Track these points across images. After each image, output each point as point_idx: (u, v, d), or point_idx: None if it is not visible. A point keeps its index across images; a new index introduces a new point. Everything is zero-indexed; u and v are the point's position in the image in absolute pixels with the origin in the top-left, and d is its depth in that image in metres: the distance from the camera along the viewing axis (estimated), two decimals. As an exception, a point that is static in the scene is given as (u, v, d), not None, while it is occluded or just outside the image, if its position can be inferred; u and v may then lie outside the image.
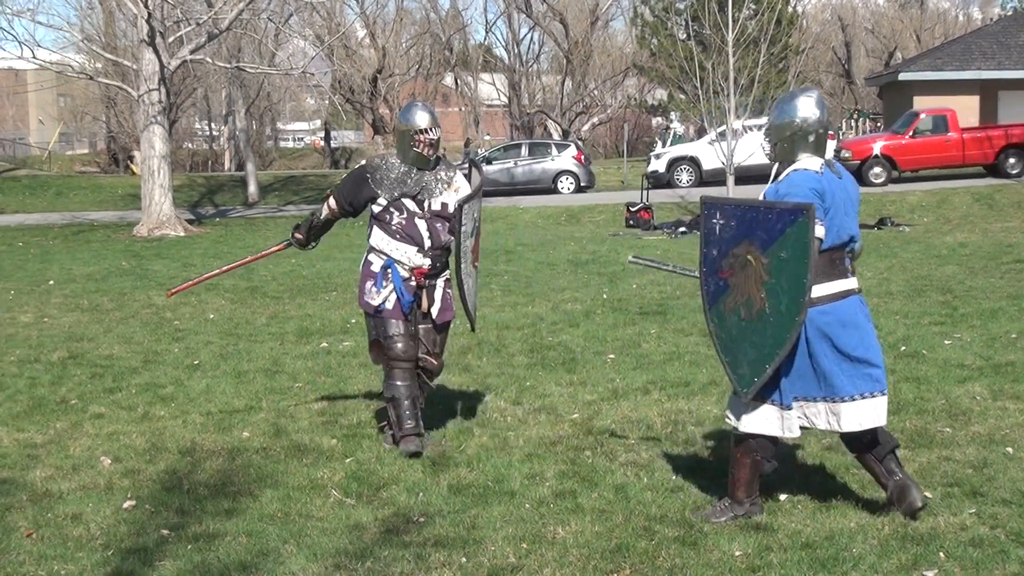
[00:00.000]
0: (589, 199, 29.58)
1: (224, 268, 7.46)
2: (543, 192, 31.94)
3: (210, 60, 27.89)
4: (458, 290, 6.80)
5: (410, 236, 6.57)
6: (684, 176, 31.75)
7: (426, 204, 6.63)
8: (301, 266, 16.48)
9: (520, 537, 5.03)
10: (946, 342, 9.17)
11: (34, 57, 26.02)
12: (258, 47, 36.68)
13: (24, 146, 60.37)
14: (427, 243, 6.59)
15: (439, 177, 6.72)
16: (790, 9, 36.27)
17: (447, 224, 6.67)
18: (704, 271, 5.28)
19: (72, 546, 5.06)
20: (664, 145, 37.53)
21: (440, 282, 6.75)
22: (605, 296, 12.83)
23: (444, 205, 6.67)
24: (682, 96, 34.48)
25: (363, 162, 6.74)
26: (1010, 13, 49.82)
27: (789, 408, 5.04)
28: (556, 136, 47.65)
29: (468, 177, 6.92)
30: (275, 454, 6.51)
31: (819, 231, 4.88)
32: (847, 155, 28.23)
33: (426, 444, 6.50)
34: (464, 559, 4.81)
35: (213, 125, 60.04)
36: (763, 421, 5.06)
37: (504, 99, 58.23)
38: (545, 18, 52.69)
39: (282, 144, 68.92)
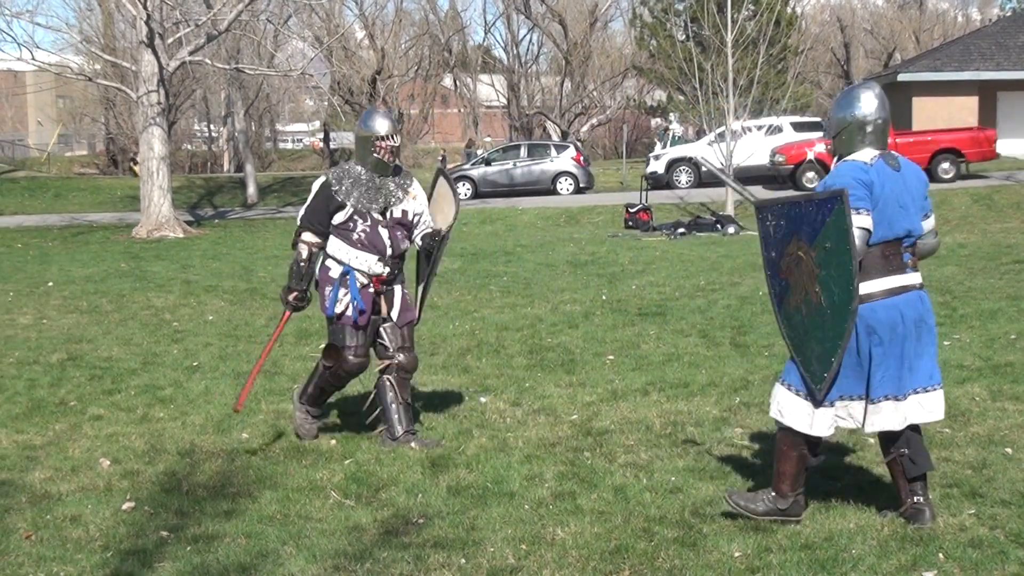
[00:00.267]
0: (588, 200, 29.58)
1: (262, 358, 7.12)
2: (542, 193, 31.95)
3: (209, 61, 27.90)
4: (420, 291, 6.99)
5: (373, 245, 6.61)
6: (683, 177, 31.76)
7: (389, 212, 6.70)
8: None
9: (519, 538, 5.03)
10: (945, 343, 9.16)
11: (33, 59, 26.03)
12: (257, 48, 36.72)
13: (23, 147, 60.36)
14: (388, 251, 6.67)
15: (399, 184, 6.78)
16: (789, 10, 36.27)
17: (406, 232, 6.76)
18: (768, 275, 5.19)
19: (71, 548, 5.06)
20: (663, 146, 37.55)
21: (397, 287, 6.80)
22: (604, 297, 12.83)
23: (404, 212, 6.75)
24: (681, 97, 34.51)
25: (322, 178, 6.67)
26: (1009, 14, 49.86)
27: (823, 406, 4.94)
28: (555, 137, 47.68)
29: (443, 185, 7.06)
30: (274, 455, 6.51)
31: (862, 221, 4.79)
32: (781, 159, 28.73)
33: (416, 440, 6.62)
34: (463, 560, 4.81)
35: (212, 126, 60.02)
36: (796, 416, 5.00)
37: (503, 100, 58.27)
38: (544, 19, 52.73)
39: (281, 145, 68.88)
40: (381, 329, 6.73)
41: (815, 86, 54.25)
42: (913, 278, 4.98)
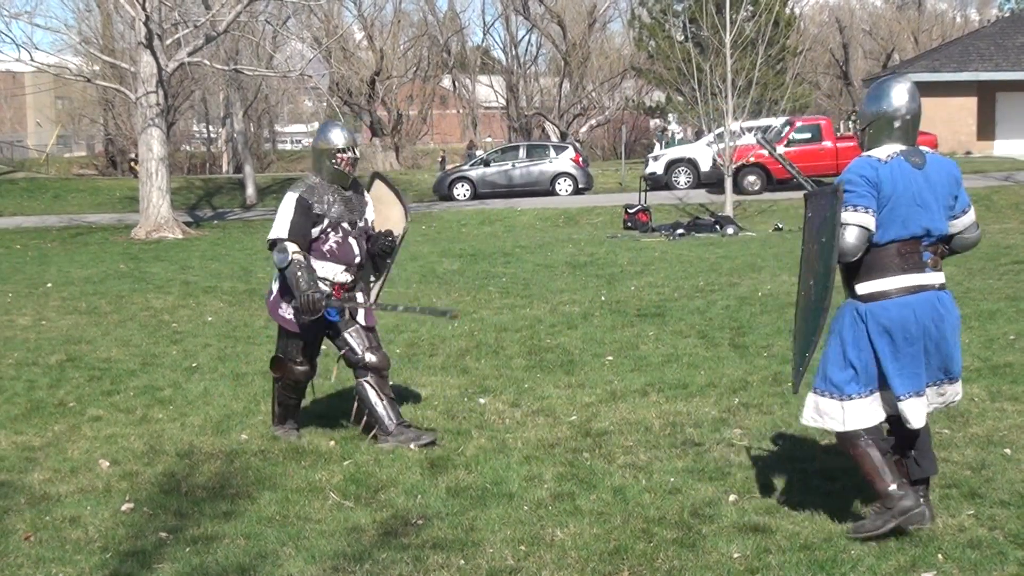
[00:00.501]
0: (587, 201, 29.58)
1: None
2: (541, 194, 31.95)
3: (208, 62, 27.89)
4: (376, 288, 7.13)
5: (344, 255, 6.69)
6: (682, 178, 31.75)
7: (358, 222, 6.78)
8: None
9: (518, 539, 5.03)
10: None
11: (32, 60, 26.00)
12: (256, 49, 36.69)
13: (22, 148, 60.32)
14: (357, 260, 6.77)
15: (359, 194, 6.88)
16: (788, 11, 36.33)
17: (367, 239, 6.85)
18: (800, 266, 5.18)
19: (70, 549, 5.06)
20: (662, 147, 37.57)
21: (359, 294, 6.88)
22: (603, 298, 12.83)
23: (366, 221, 6.86)
24: (680, 98, 34.55)
25: (294, 194, 6.63)
26: (1007, 15, 49.90)
27: (851, 398, 4.87)
28: (554, 138, 47.70)
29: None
30: (273, 456, 6.51)
31: (859, 218, 4.75)
32: (721, 163, 28.81)
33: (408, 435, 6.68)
34: (462, 561, 4.81)
35: (211, 127, 60.05)
36: (829, 416, 4.93)
37: (502, 101, 58.28)
38: (543, 20, 52.76)
39: (280, 146, 68.88)
40: (345, 335, 6.75)
41: (814, 87, 54.34)
42: (932, 278, 4.89)
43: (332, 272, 6.69)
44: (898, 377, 4.82)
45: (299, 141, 72.40)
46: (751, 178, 28.57)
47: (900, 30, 61.60)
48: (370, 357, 6.74)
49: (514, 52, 55.21)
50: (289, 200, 6.61)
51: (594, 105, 52.57)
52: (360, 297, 6.90)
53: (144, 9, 24.01)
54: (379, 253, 6.92)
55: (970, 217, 5.07)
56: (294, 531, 5.25)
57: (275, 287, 6.80)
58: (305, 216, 6.58)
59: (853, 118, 47.54)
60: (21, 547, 5.09)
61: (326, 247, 6.66)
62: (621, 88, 53.44)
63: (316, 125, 65.40)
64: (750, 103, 26.45)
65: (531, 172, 32.78)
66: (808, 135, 29.02)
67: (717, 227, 22.45)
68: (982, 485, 5.52)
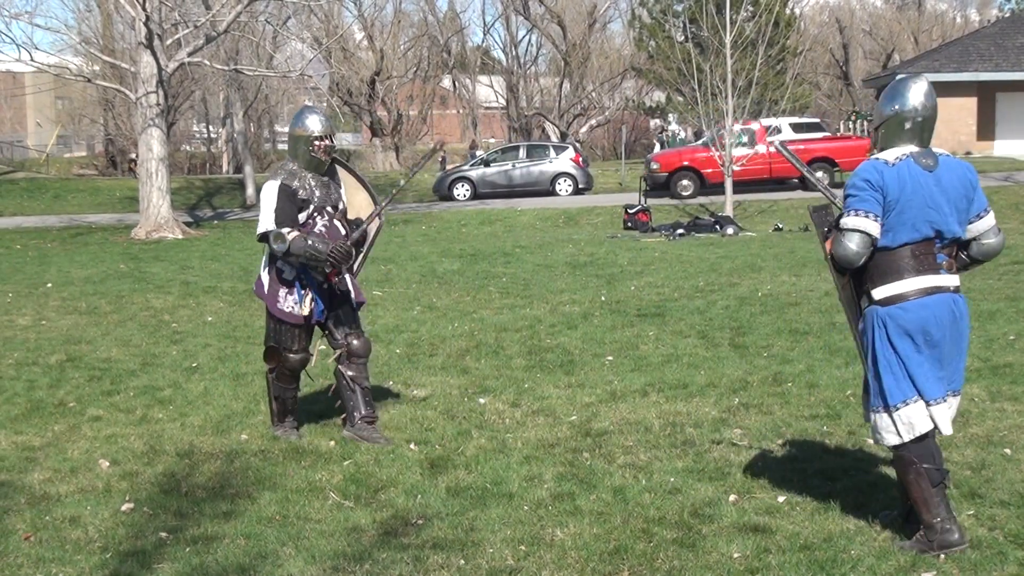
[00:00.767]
0: (587, 201, 29.58)
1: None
2: (541, 194, 31.94)
3: (208, 62, 27.89)
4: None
5: (334, 238, 6.71)
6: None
7: (338, 206, 6.83)
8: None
9: (518, 539, 5.03)
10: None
11: (32, 60, 26.00)
12: (256, 49, 36.69)
13: (22, 149, 60.32)
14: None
15: (335, 180, 6.91)
16: (788, 11, 36.32)
17: (347, 222, 6.90)
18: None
19: (70, 549, 5.06)
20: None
21: (347, 275, 6.90)
22: (603, 298, 12.83)
23: (344, 204, 6.91)
24: (680, 98, 34.56)
25: (275, 182, 6.63)
26: (1007, 15, 49.92)
27: (896, 408, 4.75)
28: (554, 138, 47.70)
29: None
30: (273, 456, 6.51)
31: (860, 223, 4.70)
32: (656, 167, 29.13)
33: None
34: (462, 561, 4.81)
35: (211, 128, 60.04)
36: (886, 432, 4.81)
37: (502, 101, 58.29)
38: (543, 20, 52.77)
39: (280, 146, 68.79)
40: (329, 320, 6.83)
41: (814, 87, 54.36)
42: (947, 280, 4.81)
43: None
44: (926, 380, 4.75)
45: (299, 141, 72.16)
46: (684, 182, 29.03)
47: (900, 30, 61.62)
48: (352, 341, 6.84)
49: (514, 52, 55.24)
50: (271, 189, 6.59)
51: (594, 105, 52.58)
52: (348, 279, 6.89)
53: (144, 9, 24.01)
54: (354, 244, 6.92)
55: (988, 222, 4.97)
56: (294, 531, 5.25)
57: (266, 278, 6.78)
58: (290, 202, 6.59)
59: (853, 118, 47.59)
60: (21, 547, 5.09)
61: (316, 231, 6.67)
62: (621, 88, 53.45)
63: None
64: (750, 103, 26.44)
65: (531, 172, 32.77)
66: (742, 139, 29.31)
67: (717, 227, 22.45)
68: (982, 485, 5.53)
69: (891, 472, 5.64)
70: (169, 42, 25.87)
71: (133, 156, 44.87)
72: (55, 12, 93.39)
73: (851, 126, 47.82)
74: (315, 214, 6.69)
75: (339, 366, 6.88)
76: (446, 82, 61.83)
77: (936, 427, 4.78)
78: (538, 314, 11.75)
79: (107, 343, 10.63)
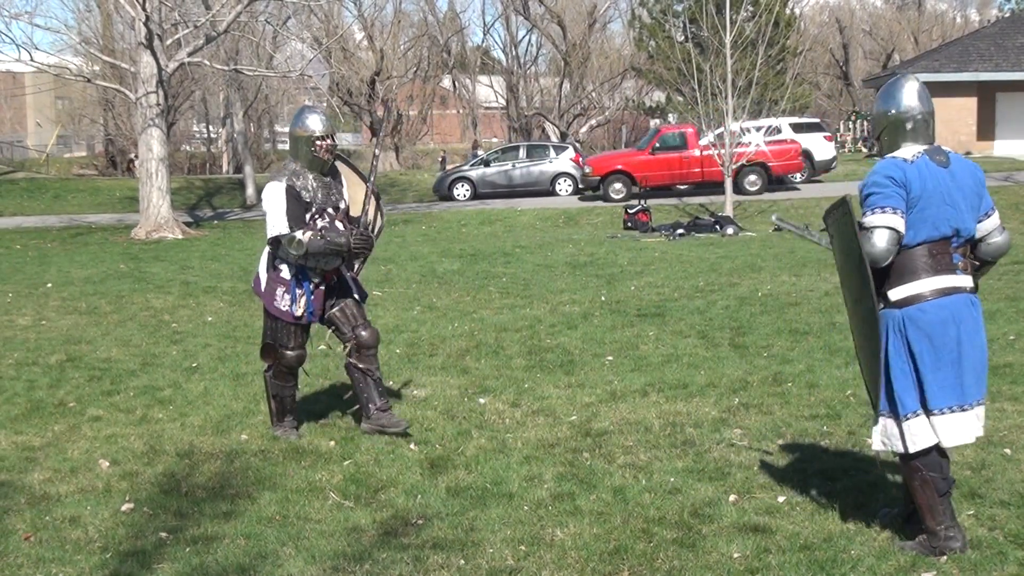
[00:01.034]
0: (587, 201, 29.59)
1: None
2: (541, 194, 31.94)
3: (208, 63, 27.89)
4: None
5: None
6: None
7: (339, 206, 6.84)
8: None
9: (518, 539, 5.03)
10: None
11: (32, 60, 26.01)
12: (256, 49, 36.70)
13: (22, 149, 60.33)
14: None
15: (336, 180, 6.92)
16: (788, 11, 36.30)
17: (348, 222, 6.90)
18: (843, 293, 5.02)
19: (70, 549, 5.06)
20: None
21: (346, 275, 6.96)
22: (603, 298, 12.83)
23: (346, 203, 6.92)
24: (680, 98, 34.53)
25: (279, 183, 6.64)
26: (1007, 15, 49.92)
27: (907, 418, 4.67)
28: (554, 138, 47.69)
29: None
30: (273, 456, 6.51)
31: (888, 220, 4.59)
32: (588, 171, 29.38)
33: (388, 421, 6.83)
34: (462, 561, 4.81)
35: (211, 128, 60.04)
36: (893, 439, 4.74)
37: (502, 101, 58.26)
38: (543, 20, 52.74)
39: (280, 146, 68.80)
40: (332, 315, 6.87)
41: (814, 87, 54.35)
42: (963, 280, 4.74)
43: (325, 259, 6.73)
44: (938, 388, 4.64)
45: (299, 141, 72.20)
46: (616, 185, 29.21)
47: (900, 30, 61.64)
48: (360, 333, 6.86)
49: (514, 52, 55.21)
50: (277, 191, 6.58)
51: (594, 105, 52.55)
52: (348, 278, 6.95)
53: (144, 9, 24.01)
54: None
55: (994, 221, 4.92)
56: (294, 531, 5.25)
57: (264, 276, 6.80)
58: (297, 202, 6.60)
59: (853, 118, 47.59)
60: (21, 547, 5.09)
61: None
62: (621, 88, 53.42)
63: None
64: (750, 103, 26.44)
65: (531, 172, 32.78)
66: (673, 143, 29.42)
67: (717, 227, 22.45)
68: (982, 485, 5.52)
69: (891, 472, 5.65)
70: (169, 42, 25.88)
71: (132, 156, 44.89)
72: (55, 12, 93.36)
73: (851, 126, 47.83)
74: (316, 216, 6.69)
75: (350, 359, 6.89)
76: (446, 82, 61.83)
77: (939, 440, 4.67)
78: (538, 314, 11.75)
79: (107, 343, 10.63)
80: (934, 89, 34.46)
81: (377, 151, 7.56)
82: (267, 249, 6.78)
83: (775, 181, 28.80)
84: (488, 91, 61.54)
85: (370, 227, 7.00)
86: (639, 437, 6.70)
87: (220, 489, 5.91)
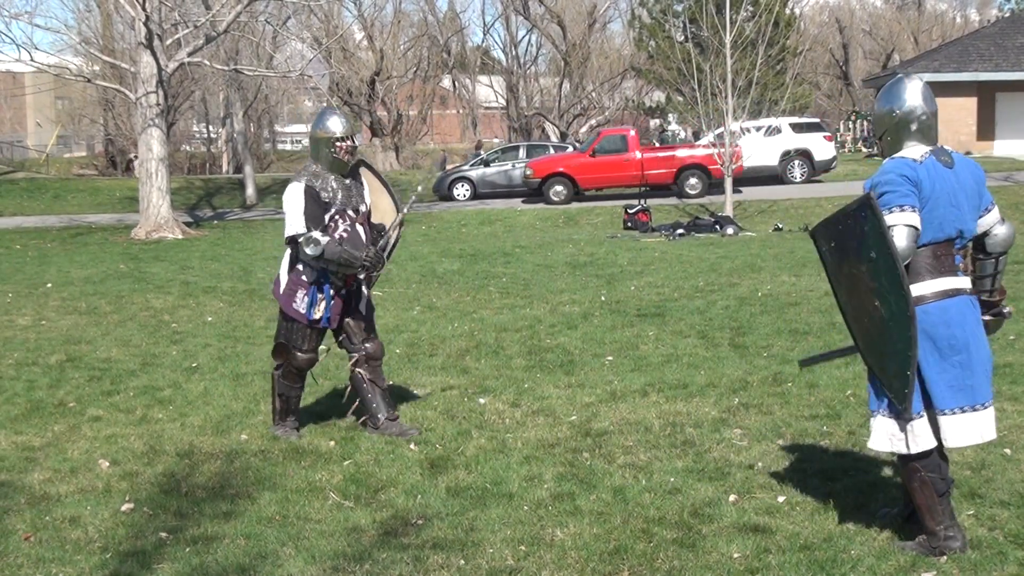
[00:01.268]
0: (587, 201, 29.58)
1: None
2: (541, 194, 31.89)
3: (208, 63, 27.89)
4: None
5: (354, 243, 6.71)
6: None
7: (360, 208, 6.83)
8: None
9: (518, 539, 5.03)
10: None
11: (32, 60, 26.00)
12: (256, 49, 36.70)
13: (22, 149, 60.31)
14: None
15: (357, 181, 6.91)
16: (788, 11, 36.31)
17: (369, 226, 6.90)
18: (838, 301, 4.93)
19: (70, 549, 5.06)
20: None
21: (363, 283, 6.96)
22: (603, 298, 12.83)
23: (367, 207, 6.91)
24: (680, 98, 34.55)
25: (299, 184, 6.64)
26: (1007, 15, 49.92)
27: (914, 419, 4.64)
28: (554, 138, 47.69)
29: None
30: (273, 456, 6.51)
31: (908, 218, 4.52)
32: (529, 173, 29.73)
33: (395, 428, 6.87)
34: (462, 561, 4.81)
35: (211, 128, 60.02)
36: (894, 439, 4.71)
37: (502, 101, 58.25)
38: (543, 20, 52.73)
39: (280, 147, 68.90)
40: (347, 324, 6.89)
41: (814, 87, 54.34)
42: (964, 282, 4.72)
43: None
44: (944, 388, 4.62)
45: (299, 141, 72.41)
46: (557, 188, 29.33)
47: (900, 30, 61.63)
48: (367, 346, 6.93)
49: (514, 52, 55.19)
50: (296, 191, 6.60)
51: (594, 105, 52.56)
52: (363, 288, 6.96)
53: (144, 9, 24.00)
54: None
55: (995, 215, 4.89)
56: (294, 531, 5.25)
57: (284, 278, 6.79)
58: (316, 203, 6.60)
59: (853, 118, 47.59)
60: (21, 547, 5.09)
61: (336, 235, 6.66)
62: (621, 88, 53.43)
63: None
64: (750, 103, 26.44)
65: (531, 172, 32.71)
66: (614, 146, 29.46)
67: (717, 227, 22.45)
68: (982, 485, 5.53)
69: (891, 472, 5.65)
70: (169, 42, 25.87)
71: (132, 156, 44.88)
72: (55, 12, 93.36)
73: (851, 126, 47.83)
74: (337, 217, 6.67)
75: (357, 370, 6.93)
76: (446, 82, 61.82)
77: (945, 439, 4.66)
78: (538, 314, 11.75)
79: (107, 343, 10.63)
80: (934, 89, 34.26)
81: (415, 194, 7.61)
82: (288, 251, 6.77)
83: (715, 184, 28.51)
84: (488, 91, 61.53)
85: (387, 250, 7.00)
86: (639, 437, 6.70)
87: (220, 489, 5.91)
